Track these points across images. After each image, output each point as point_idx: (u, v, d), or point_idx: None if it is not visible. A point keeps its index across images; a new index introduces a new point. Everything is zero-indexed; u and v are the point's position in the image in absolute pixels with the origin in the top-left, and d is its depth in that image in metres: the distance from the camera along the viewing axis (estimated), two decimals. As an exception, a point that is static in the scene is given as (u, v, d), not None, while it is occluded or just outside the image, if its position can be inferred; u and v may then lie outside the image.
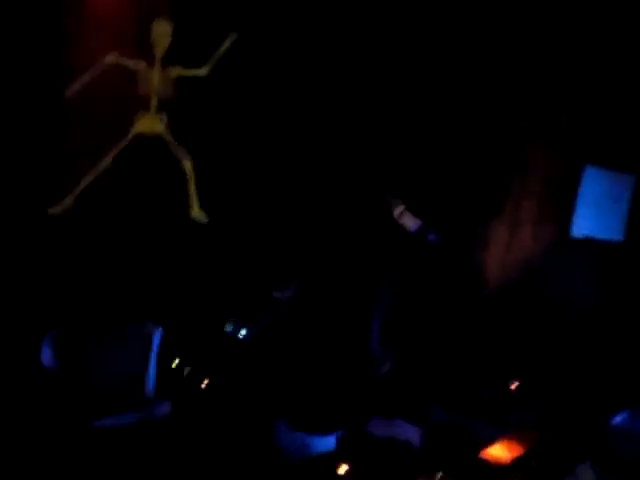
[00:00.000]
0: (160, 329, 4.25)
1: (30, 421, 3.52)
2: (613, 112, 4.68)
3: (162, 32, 4.74)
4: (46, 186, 4.49)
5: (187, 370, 4.37)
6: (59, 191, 4.57)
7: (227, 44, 4.83)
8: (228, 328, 4.65)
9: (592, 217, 4.66)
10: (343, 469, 3.62)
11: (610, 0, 4.60)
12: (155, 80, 4.73)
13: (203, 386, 4.30)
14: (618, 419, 4.12)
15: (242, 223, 4.88)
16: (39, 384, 3.75)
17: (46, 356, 3.78)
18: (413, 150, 4.87)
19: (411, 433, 3.99)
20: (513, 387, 4.61)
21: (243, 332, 4.65)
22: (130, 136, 4.71)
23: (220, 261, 4.82)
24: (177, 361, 4.40)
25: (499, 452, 3.84)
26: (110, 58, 4.66)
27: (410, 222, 4.72)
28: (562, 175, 4.64)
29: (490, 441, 3.78)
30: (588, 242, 4.63)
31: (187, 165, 4.79)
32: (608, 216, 4.72)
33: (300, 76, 4.88)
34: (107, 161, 4.67)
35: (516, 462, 3.70)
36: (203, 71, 4.81)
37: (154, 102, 4.75)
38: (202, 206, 4.81)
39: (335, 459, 3.63)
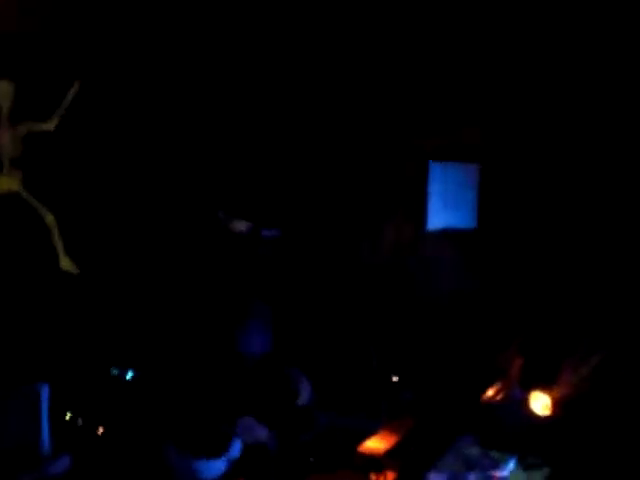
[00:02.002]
0: (46, 386, 4.25)
1: None
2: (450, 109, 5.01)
3: (4, 91, 4.74)
4: None
5: (80, 421, 4.38)
6: None
7: (71, 94, 4.88)
8: (114, 372, 4.68)
9: (443, 210, 4.97)
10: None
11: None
12: (4, 140, 4.74)
13: (99, 433, 4.33)
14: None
15: (112, 270, 4.95)
16: None
17: None
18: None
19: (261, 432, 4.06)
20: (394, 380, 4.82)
21: (129, 374, 4.70)
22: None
23: (96, 308, 4.86)
24: (69, 414, 4.41)
25: (375, 444, 4.03)
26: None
27: (239, 225, 4.88)
28: (412, 175, 4.94)
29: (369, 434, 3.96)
30: (444, 233, 4.94)
31: (49, 218, 4.80)
32: (459, 207, 5.04)
33: (148, 113, 5.01)
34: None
35: (393, 450, 3.90)
36: (51, 125, 4.84)
37: (6, 161, 4.75)
38: (71, 257, 4.85)
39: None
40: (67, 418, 4.38)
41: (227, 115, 5.10)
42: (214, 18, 5.05)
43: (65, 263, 4.84)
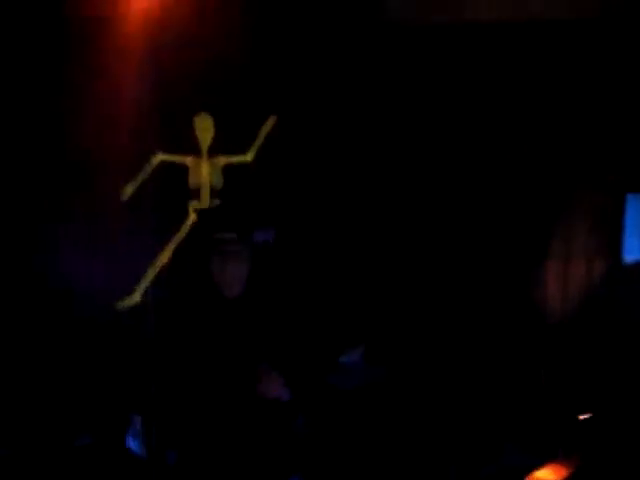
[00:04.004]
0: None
1: None
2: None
3: (205, 126, 4.97)
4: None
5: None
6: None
7: (268, 127, 5.08)
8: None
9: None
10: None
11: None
12: (204, 171, 4.95)
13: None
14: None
15: (303, 298, 5.07)
16: None
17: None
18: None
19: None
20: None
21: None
22: (187, 228, 4.90)
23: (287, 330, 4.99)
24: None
25: (546, 474, 3.82)
26: (159, 157, 4.88)
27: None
28: (607, 207, 4.89)
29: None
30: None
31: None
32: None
33: (343, 146, 5.17)
34: (166, 256, 4.85)
35: None
36: (249, 157, 5.05)
37: (206, 192, 4.96)
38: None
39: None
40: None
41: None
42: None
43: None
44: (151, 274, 4.78)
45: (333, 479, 4.29)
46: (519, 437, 4.37)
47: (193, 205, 4.94)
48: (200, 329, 2.97)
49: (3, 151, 4.58)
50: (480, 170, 5.11)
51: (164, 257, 4.82)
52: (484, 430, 4.49)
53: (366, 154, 5.24)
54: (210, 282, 2.92)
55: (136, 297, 4.72)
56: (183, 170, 4.94)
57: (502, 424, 4.53)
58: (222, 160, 5.02)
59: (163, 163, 4.88)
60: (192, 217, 4.93)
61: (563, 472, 3.77)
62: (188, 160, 4.95)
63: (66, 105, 4.57)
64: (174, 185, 4.91)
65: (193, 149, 4.95)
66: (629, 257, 4.83)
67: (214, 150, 4.99)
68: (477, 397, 4.74)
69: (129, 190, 4.80)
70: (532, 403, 4.66)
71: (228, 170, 5.01)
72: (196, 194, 4.97)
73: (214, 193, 4.98)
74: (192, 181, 4.97)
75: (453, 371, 4.86)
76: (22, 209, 4.61)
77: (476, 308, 5.02)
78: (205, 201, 4.97)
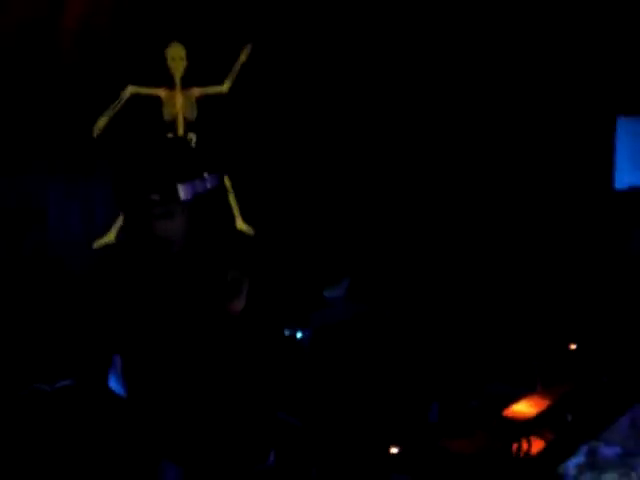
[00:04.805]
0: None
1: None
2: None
3: (177, 56, 4.77)
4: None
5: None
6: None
7: (243, 57, 4.88)
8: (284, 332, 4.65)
9: (631, 167, 4.66)
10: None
11: None
12: (178, 103, 4.77)
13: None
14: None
15: (286, 232, 4.94)
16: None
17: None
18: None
19: None
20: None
21: (299, 334, 4.68)
22: (161, 160, 4.74)
23: (269, 271, 4.86)
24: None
25: (524, 407, 3.66)
26: (130, 89, 4.70)
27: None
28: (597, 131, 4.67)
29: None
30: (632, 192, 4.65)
31: (225, 180, 4.83)
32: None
33: (321, 80, 4.95)
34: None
35: (544, 415, 3.50)
36: (224, 87, 4.86)
37: (181, 124, 4.79)
38: (245, 219, 4.87)
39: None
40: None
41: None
42: None
43: (241, 224, 4.87)
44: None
45: (315, 417, 4.21)
46: (501, 368, 4.24)
47: (168, 137, 4.78)
48: (149, 285, 2.75)
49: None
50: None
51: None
52: (467, 363, 4.37)
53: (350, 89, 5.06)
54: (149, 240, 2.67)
55: (111, 236, 4.61)
56: (157, 102, 4.77)
57: (485, 355, 4.41)
58: (196, 91, 4.83)
59: (135, 96, 4.71)
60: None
61: (541, 404, 3.63)
62: (161, 92, 4.76)
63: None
64: (148, 118, 4.74)
65: (166, 81, 4.77)
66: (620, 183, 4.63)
67: (188, 82, 4.81)
68: (461, 330, 4.63)
69: (101, 124, 4.63)
70: (517, 333, 4.54)
71: (203, 102, 4.84)
72: (171, 126, 4.81)
73: (189, 125, 4.82)
74: (166, 113, 4.80)
75: (437, 304, 4.74)
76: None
77: (462, 240, 4.88)
78: (180, 133, 4.81)
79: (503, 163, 4.92)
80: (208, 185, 2.68)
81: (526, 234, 4.87)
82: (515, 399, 3.72)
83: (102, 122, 4.60)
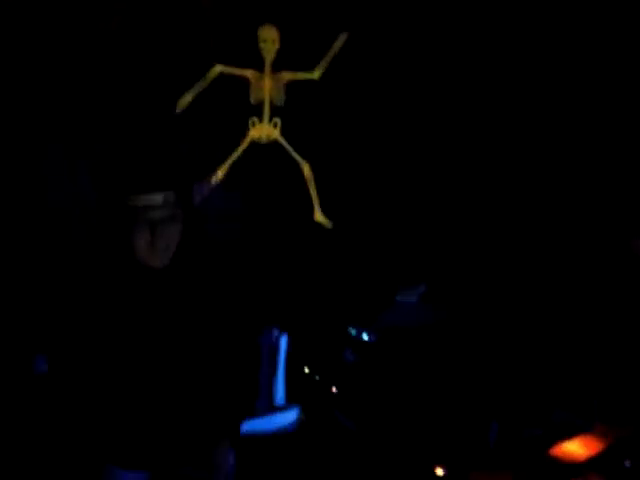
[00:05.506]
0: (285, 335, 4.19)
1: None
2: None
3: (269, 38, 4.69)
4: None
5: (317, 377, 4.28)
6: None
7: (338, 45, 4.75)
8: (352, 332, 4.53)
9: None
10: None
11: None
12: (267, 86, 4.69)
13: (332, 391, 4.21)
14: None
15: (364, 226, 4.81)
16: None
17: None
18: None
19: None
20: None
21: (365, 336, 4.54)
22: (245, 144, 4.68)
23: (344, 265, 4.76)
24: (306, 369, 4.32)
25: (575, 448, 3.34)
26: (218, 68, 4.64)
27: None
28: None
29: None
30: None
31: (306, 169, 4.73)
32: None
33: (416, 73, 4.79)
34: (224, 169, 4.65)
35: (597, 459, 3.17)
36: (315, 74, 4.75)
37: (267, 108, 4.70)
38: (324, 211, 4.78)
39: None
40: (305, 371, 4.30)
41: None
42: None
43: (319, 216, 4.77)
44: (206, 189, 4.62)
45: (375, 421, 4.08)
46: (569, 396, 3.96)
47: (253, 123, 4.71)
48: (122, 307, 2.54)
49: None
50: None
51: (220, 173, 4.63)
52: (536, 388, 4.12)
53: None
54: (129, 256, 2.46)
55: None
56: (245, 84, 4.71)
57: (555, 384, 4.15)
58: (286, 76, 4.74)
59: (223, 75, 4.65)
60: (251, 135, 4.71)
61: (595, 447, 3.32)
62: (249, 73, 4.69)
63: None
64: (234, 99, 4.68)
65: (256, 62, 4.70)
66: None
67: (278, 65, 4.72)
68: (535, 351, 4.38)
69: (186, 101, 4.59)
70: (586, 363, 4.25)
71: (292, 87, 4.75)
72: (257, 110, 4.74)
73: (275, 110, 4.73)
74: (253, 96, 4.73)
75: (514, 319, 4.50)
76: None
77: (546, 255, 4.63)
78: (267, 118, 4.73)
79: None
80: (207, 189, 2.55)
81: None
82: (572, 435, 3.46)
83: (187, 99, 4.58)
